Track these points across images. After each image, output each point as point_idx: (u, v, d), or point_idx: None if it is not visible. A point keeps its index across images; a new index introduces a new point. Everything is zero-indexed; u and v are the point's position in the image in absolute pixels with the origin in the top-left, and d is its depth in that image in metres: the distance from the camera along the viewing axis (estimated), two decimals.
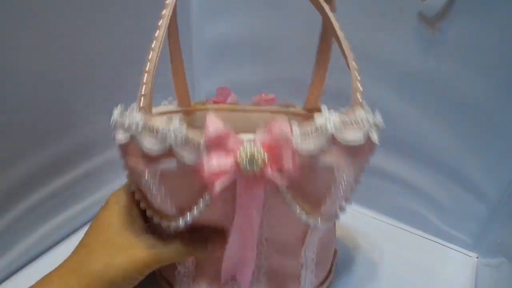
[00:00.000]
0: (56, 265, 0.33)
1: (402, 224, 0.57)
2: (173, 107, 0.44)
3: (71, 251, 0.34)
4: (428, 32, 0.45)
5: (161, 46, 0.32)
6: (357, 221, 0.57)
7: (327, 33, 0.40)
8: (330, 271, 0.44)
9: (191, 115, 0.46)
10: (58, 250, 0.49)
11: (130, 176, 0.36)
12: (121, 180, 0.57)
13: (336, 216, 0.37)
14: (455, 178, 0.51)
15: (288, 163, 0.29)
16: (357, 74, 0.33)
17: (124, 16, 0.49)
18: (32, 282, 0.32)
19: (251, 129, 0.43)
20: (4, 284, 0.43)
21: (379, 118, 0.33)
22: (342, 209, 0.37)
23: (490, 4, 0.41)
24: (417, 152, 0.52)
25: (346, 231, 0.54)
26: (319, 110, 0.41)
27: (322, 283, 0.43)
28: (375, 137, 0.32)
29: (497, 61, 0.43)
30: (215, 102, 0.47)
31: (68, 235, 0.50)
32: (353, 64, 0.33)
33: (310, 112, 0.44)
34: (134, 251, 0.33)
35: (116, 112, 0.33)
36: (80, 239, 0.35)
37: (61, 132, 0.46)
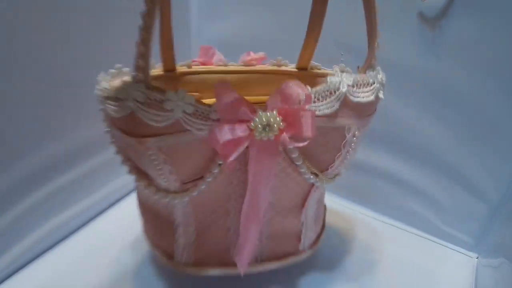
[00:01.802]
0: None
1: (402, 224, 0.57)
2: (156, 71, 0.39)
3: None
4: (428, 31, 0.45)
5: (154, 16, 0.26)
6: (357, 221, 0.56)
7: None
8: (323, 226, 0.45)
9: (177, 79, 0.41)
10: (58, 250, 0.48)
11: (122, 153, 0.33)
12: (121, 180, 0.57)
13: (339, 174, 0.37)
14: (455, 178, 0.51)
15: (307, 129, 0.28)
16: (377, 41, 0.32)
17: (123, 13, 0.49)
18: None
19: (246, 91, 0.41)
20: (4, 284, 0.43)
21: (384, 76, 0.34)
22: (346, 167, 0.36)
23: (489, 4, 0.41)
24: (417, 152, 0.52)
25: (346, 231, 0.54)
26: (311, 69, 0.42)
27: (317, 238, 0.44)
28: (382, 95, 0.33)
29: (497, 61, 0.43)
30: (201, 64, 0.43)
31: (68, 235, 0.50)
32: (377, 31, 0.32)
33: (302, 71, 0.42)
34: None
35: (105, 83, 0.30)
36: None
37: (61, 132, 0.46)
